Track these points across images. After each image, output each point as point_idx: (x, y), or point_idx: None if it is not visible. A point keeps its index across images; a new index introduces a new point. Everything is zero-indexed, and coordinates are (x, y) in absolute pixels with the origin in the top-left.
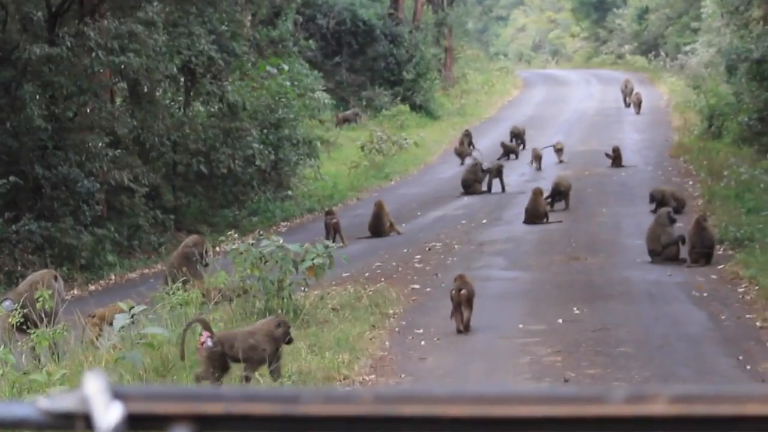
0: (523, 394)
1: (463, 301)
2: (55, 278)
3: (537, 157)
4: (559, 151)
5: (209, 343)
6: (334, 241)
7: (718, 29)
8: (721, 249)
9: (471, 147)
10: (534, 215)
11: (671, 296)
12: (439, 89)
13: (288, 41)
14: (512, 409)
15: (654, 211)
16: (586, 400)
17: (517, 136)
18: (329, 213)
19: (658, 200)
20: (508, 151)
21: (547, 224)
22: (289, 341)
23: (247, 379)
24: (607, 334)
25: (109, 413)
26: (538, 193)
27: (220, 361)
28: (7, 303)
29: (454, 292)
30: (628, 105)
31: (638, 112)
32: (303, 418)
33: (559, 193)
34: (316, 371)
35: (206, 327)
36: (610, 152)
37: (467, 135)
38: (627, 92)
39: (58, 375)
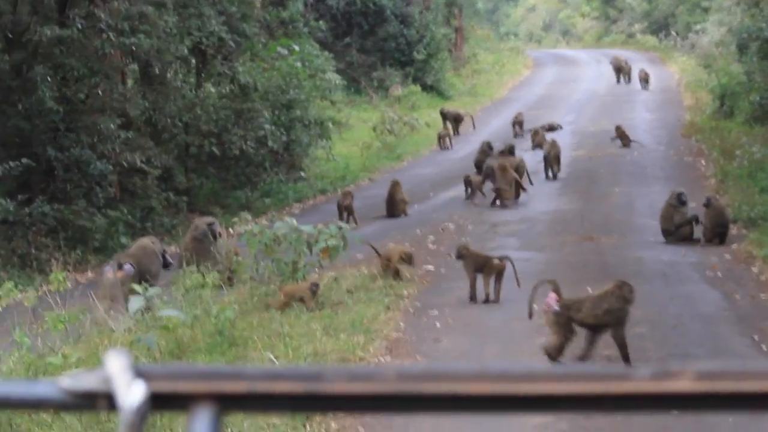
0: (547, 372)
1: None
2: (153, 243)
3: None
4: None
5: (555, 307)
6: (347, 222)
7: (729, 8)
8: (735, 229)
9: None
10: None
11: (685, 276)
12: (450, 69)
13: (298, 22)
14: (537, 386)
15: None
16: (610, 378)
17: (519, 124)
18: (346, 193)
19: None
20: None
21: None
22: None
23: (621, 342)
24: None
25: (132, 392)
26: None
27: (566, 326)
28: (127, 267)
29: (497, 261)
30: (627, 81)
31: (646, 88)
32: (326, 397)
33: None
34: (331, 353)
35: (556, 290)
36: (614, 135)
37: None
38: (626, 70)
39: (74, 358)
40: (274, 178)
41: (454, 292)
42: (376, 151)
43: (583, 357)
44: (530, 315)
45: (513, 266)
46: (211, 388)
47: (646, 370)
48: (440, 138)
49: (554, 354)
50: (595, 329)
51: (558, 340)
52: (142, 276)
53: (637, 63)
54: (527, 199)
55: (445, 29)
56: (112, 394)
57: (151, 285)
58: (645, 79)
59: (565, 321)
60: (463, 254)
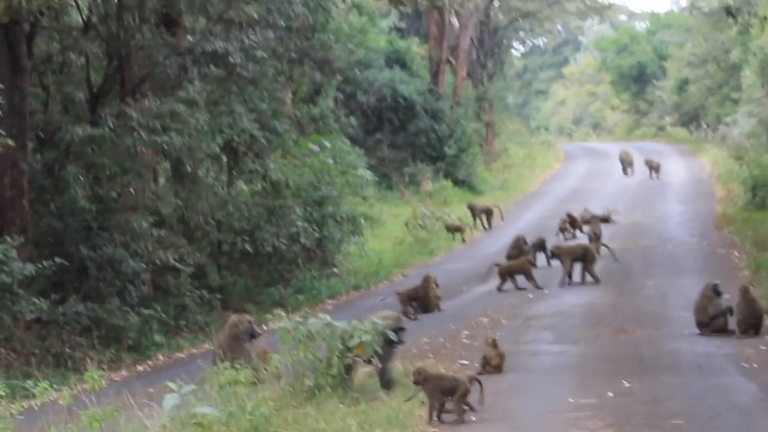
0: None
1: None
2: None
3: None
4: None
5: None
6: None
7: (759, 100)
8: None
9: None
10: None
11: (721, 368)
12: (481, 164)
13: (329, 118)
14: None
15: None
16: None
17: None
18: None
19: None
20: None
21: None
22: None
23: None
24: (657, 407)
25: None
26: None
27: None
28: None
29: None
30: (627, 173)
31: (657, 177)
32: None
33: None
34: None
35: None
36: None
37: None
38: (627, 162)
39: None
40: (306, 275)
41: (488, 386)
42: (409, 247)
43: None
44: None
45: (481, 386)
46: None
47: None
48: (455, 230)
49: None
50: None
51: None
52: None
53: (667, 156)
54: (559, 292)
55: (476, 124)
56: None
57: None
58: (655, 169)
59: None
60: (420, 380)
